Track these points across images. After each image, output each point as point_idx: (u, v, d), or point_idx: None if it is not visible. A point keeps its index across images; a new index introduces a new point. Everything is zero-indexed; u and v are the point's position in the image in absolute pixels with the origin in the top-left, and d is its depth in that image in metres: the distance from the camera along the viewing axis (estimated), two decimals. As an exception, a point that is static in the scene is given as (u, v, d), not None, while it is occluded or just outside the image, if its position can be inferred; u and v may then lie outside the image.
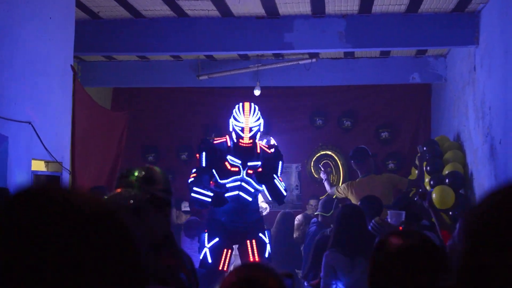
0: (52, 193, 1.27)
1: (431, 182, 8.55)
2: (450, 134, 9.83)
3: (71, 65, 7.87)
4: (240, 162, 7.64)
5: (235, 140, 7.67)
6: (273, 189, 7.73)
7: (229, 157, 7.64)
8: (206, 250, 7.62)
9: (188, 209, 10.57)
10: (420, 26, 8.46)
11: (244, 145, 7.63)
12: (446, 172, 8.59)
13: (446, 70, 10.49)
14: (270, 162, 7.72)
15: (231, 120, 7.72)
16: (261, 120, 7.77)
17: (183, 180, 12.03)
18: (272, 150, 7.87)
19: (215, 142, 7.78)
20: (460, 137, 9.27)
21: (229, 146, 7.73)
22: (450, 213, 8.20)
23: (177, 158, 12.08)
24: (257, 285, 2.45)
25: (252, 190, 7.73)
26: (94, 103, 9.16)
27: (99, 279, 1.20)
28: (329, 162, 12.00)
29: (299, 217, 10.28)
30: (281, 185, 7.75)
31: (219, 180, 7.66)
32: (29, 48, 6.83)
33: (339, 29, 8.56)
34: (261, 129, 7.83)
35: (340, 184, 10.32)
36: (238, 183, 7.67)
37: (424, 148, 9.17)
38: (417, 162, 9.38)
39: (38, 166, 7.32)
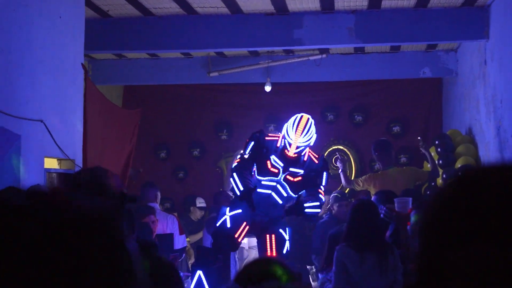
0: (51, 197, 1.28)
1: (444, 176, 8.54)
2: (462, 128, 9.81)
3: (81, 63, 7.91)
4: (282, 165, 7.40)
5: (282, 147, 7.42)
6: (305, 215, 7.52)
7: (272, 157, 7.42)
8: (226, 217, 7.46)
9: (203, 205, 10.53)
10: (430, 20, 8.45)
11: (289, 156, 7.37)
12: (459, 166, 8.58)
13: (456, 64, 10.46)
14: (311, 174, 7.51)
15: (284, 128, 7.38)
16: (314, 137, 7.43)
17: (195, 176, 12.11)
18: (316, 161, 7.60)
19: (267, 138, 7.51)
20: (472, 130, 9.25)
21: (278, 147, 7.47)
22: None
23: (188, 154, 12.11)
24: (271, 279, 2.47)
25: (285, 195, 7.52)
26: (106, 101, 9.20)
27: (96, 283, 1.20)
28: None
29: None
30: (314, 204, 7.46)
31: (256, 175, 7.51)
32: (39, 47, 6.86)
33: (349, 25, 8.56)
34: (312, 143, 7.48)
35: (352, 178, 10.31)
36: (274, 183, 7.48)
37: (422, 141, 9.23)
38: (425, 152, 9.35)
39: (51, 164, 7.36)
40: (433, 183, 9.11)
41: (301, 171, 7.45)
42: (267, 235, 7.51)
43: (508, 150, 7.42)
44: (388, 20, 8.49)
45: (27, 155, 6.42)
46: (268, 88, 10.62)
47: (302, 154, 7.43)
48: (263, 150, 7.43)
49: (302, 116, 7.40)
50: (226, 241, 7.33)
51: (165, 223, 8.55)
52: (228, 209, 7.57)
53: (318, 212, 7.86)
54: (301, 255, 9.14)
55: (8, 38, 6.19)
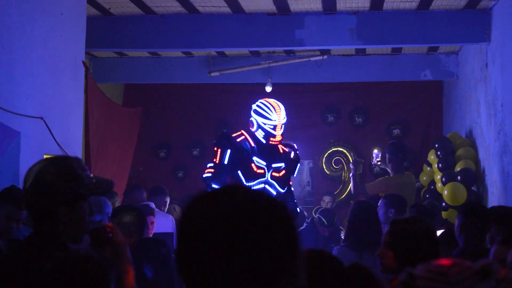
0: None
1: (443, 179, 8.53)
2: (462, 131, 9.81)
3: (82, 61, 7.91)
4: (265, 163, 7.26)
5: (264, 140, 7.22)
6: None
7: (255, 158, 7.24)
8: None
9: None
10: (432, 23, 8.44)
11: (275, 143, 7.23)
12: (458, 169, 8.57)
13: (457, 67, 10.46)
14: (292, 165, 7.48)
15: (258, 118, 7.19)
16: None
17: (195, 176, 12.09)
18: (292, 153, 7.54)
19: (238, 140, 7.25)
20: (472, 134, 9.24)
21: (253, 147, 7.27)
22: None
23: (188, 154, 12.11)
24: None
25: (274, 193, 7.32)
26: (107, 99, 9.20)
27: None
28: (341, 158, 12.01)
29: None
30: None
31: (244, 182, 7.20)
32: (40, 44, 6.86)
33: (350, 26, 8.55)
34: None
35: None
36: (262, 185, 7.30)
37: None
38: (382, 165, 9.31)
39: (50, 161, 7.34)
40: (432, 187, 9.10)
41: (283, 164, 7.34)
42: None
43: (509, 154, 7.41)
44: (390, 21, 8.49)
45: (26, 152, 6.41)
46: (268, 89, 10.60)
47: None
48: (244, 153, 7.21)
49: (266, 99, 7.35)
50: None
51: (165, 222, 8.53)
52: None
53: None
54: None
55: (9, 35, 6.18)
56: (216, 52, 10.53)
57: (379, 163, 9.38)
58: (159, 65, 10.97)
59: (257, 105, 7.28)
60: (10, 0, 6.24)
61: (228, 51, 10.39)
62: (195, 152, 12.09)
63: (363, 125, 11.96)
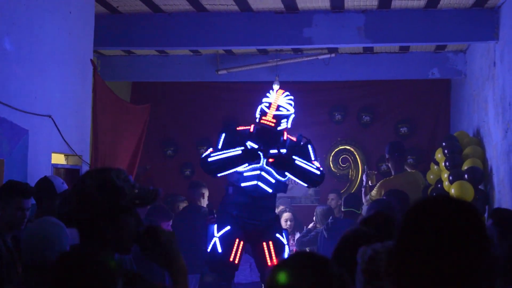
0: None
1: (451, 178, 8.52)
2: (470, 130, 9.79)
3: (90, 59, 7.93)
4: (257, 147, 6.93)
5: (258, 120, 6.99)
6: (299, 173, 6.98)
7: (248, 142, 6.97)
8: (215, 239, 6.92)
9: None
10: (440, 21, 8.43)
11: (266, 122, 6.92)
12: (465, 167, 8.55)
13: (465, 66, 10.44)
14: (295, 149, 7.07)
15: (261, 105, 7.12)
16: (292, 110, 7.11)
17: (202, 174, 12.09)
18: (295, 138, 7.26)
19: (238, 128, 7.15)
20: (480, 132, 9.23)
21: (251, 132, 7.09)
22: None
23: (196, 152, 12.11)
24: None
25: (273, 181, 7.02)
26: (115, 97, 9.21)
27: None
28: (348, 157, 12.00)
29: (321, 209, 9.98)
30: (309, 165, 6.98)
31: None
32: (49, 43, 6.88)
33: (358, 24, 8.55)
34: (289, 123, 7.13)
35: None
36: (258, 172, 6.98)
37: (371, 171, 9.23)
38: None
39: (58, 159, 7.38)
40: (439, 185, 9.09)
41: (284, 151, 6.96)
42: (264, 243, 6.98)
43: (516, 153, 7.40)
44: (398, 20, 8.48)
45: (34, 150, 6.44)
46: (276, 87, 10.57)
47: (279, 131, 7.00)
48: (237, 138, 7.01)
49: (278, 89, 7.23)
50: (222, 269, 6.85)
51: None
52: (215, 228, 7.02)
53: (318, 176, 7.08)
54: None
55: (17, 33, 6.21)
56: (224, 50, 10.53)
57: (369, 185, 9.45)
58: (167, 63, 10.98)
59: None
60: (18, -2, 6.27)
61: (236, 49, 10.39)
62: (203, 150, 12.08)
63: (370, 123, 11.94)
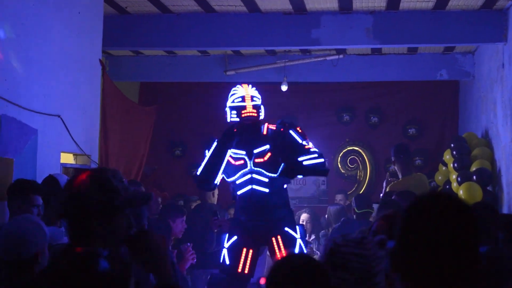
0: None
1: (459, 179, 8.51)
2: (478, 131, 9.78)
3: (99, 59, 7.95)
4: (244, 153, 6.82)
5: (238, 118, 6.81)
6: (309, 171, 6.82)
7: (231, 151, 6.82)
8: (224, 251, 6.83)
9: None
10: (448, 23, 8.43)
11: (248, 114, 6.76)
12: (474, 169, 8.55)
13: (474, 67, 10.43)
14: (277, 142, 6.82)
15: (228, 104, 6.97)
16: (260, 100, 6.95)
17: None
18: (274, 127, 6.98)
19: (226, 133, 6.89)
20: (488, 134, 9.21)
21: (235, 131, 6.83)
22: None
23: (203, 152, 12.11)
24: (305, 274, 2.48)
25: (266, 180, 6.81)
26: (123, 97, 9.25)
27: None
28: (356, 158, 12.00)
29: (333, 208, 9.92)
30: (311, 158, 6.72)
31: (226, 179, 6.92)
32: (58, 43, 6.90)
33: (367, 25, 8.55)
34: (262, 113, 6.92)
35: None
36: (249, 176, 6.81)
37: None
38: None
39: (67, 158, 7.40)
40: (447, 186, 9.08)
41: (267, 146, 6.83)
42: (273, 238, 6.80)
43: (525, 154, 7.39)
44: (406, 21, 8.48)
45: (44, 150, 6.46)
46: (284, 88, 10.60)
47: (259, 124, 6.84)
48: (226, 146, 6.82)
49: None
50: (231, 280, 6.70)
51: None
52: (226, 238, 6.89)
53: (323, 163, 6.83)
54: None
55: (26, 34, 6.23)
56: (232, 51, 10.55)
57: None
58: (175, 63, 10.99)
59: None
60: (28, -2, 6.30)
61: (244, 50, 10.40)
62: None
63: (378, 124, 11.94)
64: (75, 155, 7.54)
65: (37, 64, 6.42)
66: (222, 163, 6.79)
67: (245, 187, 6.83)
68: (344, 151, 12.05)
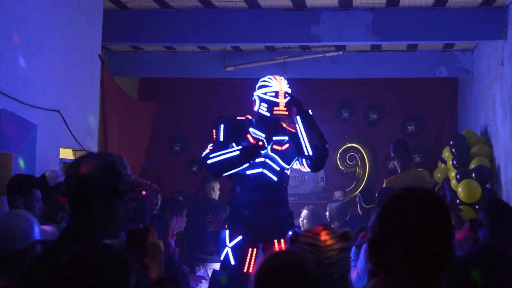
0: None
1: (458, 176, 8.51)
2: (477, 129, 9.78)
3: (99, 54, 7.95)
4: (264, 135, 6.75)
5: (268, 113, 6.73)
6: (319, 134, 6.85)
7: (251, 129, 6.76)
8: (228, 250, 6.68)
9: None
10: (448, 20, 8.42)
11: (280, 113, 6.71)
12: (473, 166, 8.55)
13: (473, 64, 10.43)
14: (294, 139, 6.82)
15: (259, 93, 6.88)
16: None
17: (209, 171, 12.11)
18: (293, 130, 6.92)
19: (238, 118, 6.88)
20: (487, 131, 9.22)
21: (251, 120, 6.86)
22: (477, 206, 8.17)
23: (203, 148, 12.08)
24: (296, 271, 2.45)
25: (278, 169, 6.77)
26: (122, 92, 9.24)
27: None
28: (355, 154, 12.00)
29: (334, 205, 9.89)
30: (308, 141, 6.75)
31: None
32: (57, 38, 6.90)
33: (366, 22, 8.54)
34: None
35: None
36: (262, 159, 6.70)
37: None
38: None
39: (66, 154, 7.40)
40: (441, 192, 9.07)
41: (286, 138, 6.83)
42: (275, 241, 6.65)
43: (523, 152, 7.40)
44: (406, 18, 8.47)
45: (42, 145, 6.46)
46: (279, 78, 10.58)
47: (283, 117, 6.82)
48: (238, 126, 6.77)
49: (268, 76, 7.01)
50: (235, 281, 6.56)
51: None
52: (227, 235, 6.73)
53: (321, 147, 6.83)
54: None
55: (26, 28, 6.23)
56: (232, 47, 10.54)
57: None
58: (174, 59, 10.98)
59: (259, 82, 7.01)
60: (28, -7, 6.29)
61: (244, 46, 10.40)
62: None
63: (377, 121, 11.93)
64: (74, 150, 7.53)
65: (36, 59, 6.42)
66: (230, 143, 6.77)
67: (256, 168, 6.73)
68: (343, 148, 12.04)
